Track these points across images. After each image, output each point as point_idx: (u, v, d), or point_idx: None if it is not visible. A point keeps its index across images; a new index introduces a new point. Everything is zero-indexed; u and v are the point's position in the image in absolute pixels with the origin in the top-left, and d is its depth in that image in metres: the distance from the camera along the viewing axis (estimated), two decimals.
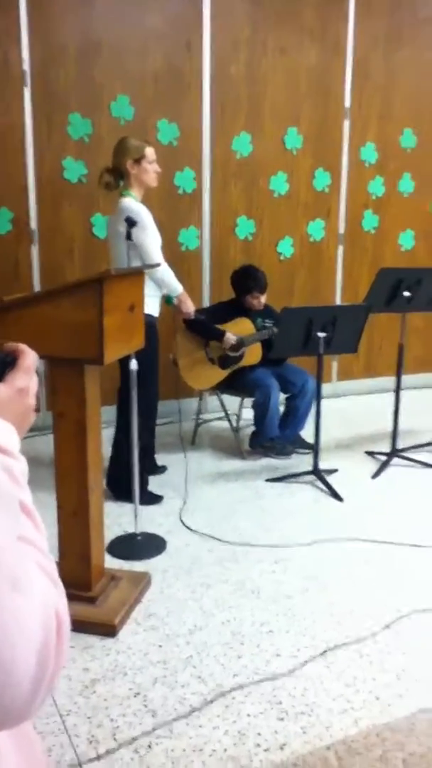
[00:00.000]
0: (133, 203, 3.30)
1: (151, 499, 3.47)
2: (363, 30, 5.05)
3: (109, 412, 3.73)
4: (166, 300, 3.62)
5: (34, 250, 4.38)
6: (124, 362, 3.27)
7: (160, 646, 2.34)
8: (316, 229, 5.22)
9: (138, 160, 3.34)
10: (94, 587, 2.50)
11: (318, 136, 5.09)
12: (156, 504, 3.47)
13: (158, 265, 3.12)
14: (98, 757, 1.85)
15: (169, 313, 3.90)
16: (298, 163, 5.06)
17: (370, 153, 5.29)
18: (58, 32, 4.18)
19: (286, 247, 5.13)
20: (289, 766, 1.82)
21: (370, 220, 5.41)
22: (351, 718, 2.00)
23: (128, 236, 2.96)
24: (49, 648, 0.58)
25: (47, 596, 0.60)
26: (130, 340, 2.55)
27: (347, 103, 5.13)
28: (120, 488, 3.43)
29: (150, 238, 3.30)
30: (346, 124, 5.17)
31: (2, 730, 0.59)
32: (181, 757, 1.85)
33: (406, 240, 5.59)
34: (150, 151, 3.37)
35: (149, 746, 1.89)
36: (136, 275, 2.61)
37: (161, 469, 3.84)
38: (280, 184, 5.01)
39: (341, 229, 5.33)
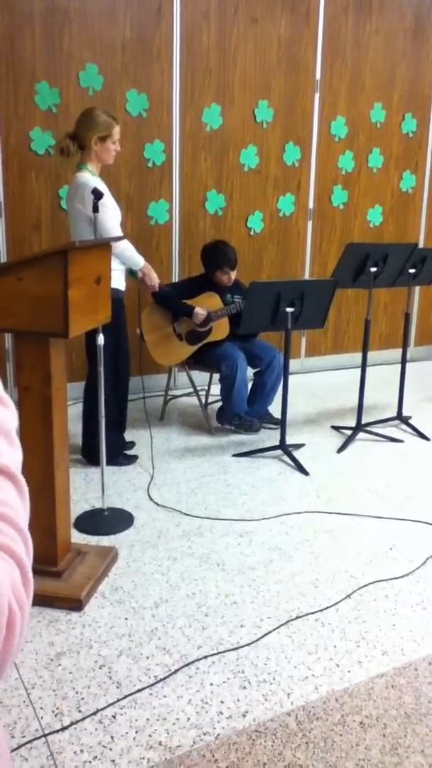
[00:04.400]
0: (91, 178, 3.26)
1: (126, 459, 3.66)
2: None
3: (78, 389, 3.72)
4: (130, 273, 3.59)
5: (1, 223, 4.30)
6: (91, 337, 3.25)
7: (126, 619, 2.36)
8: (286, 203, 5.20)
9: (103, 138, 3.29)
10: (60, 562, 2.50)
11: (288, 109, 5.05)
12: (131, 464, 3.65)
13: (123, 237, 3.09)
14: (63, 728, 1.87)
15: (134, 287, 3.88)
16: (268, 137, 5.02)
17: (340, 127, 5.28)
18: None
19: (256, 222, 5.11)
20: (251, 732, 1.87)
21: (339, 196, 5.41)
22: (311, 685, 2.05)
23: (95, 208, 2.92)
24: None
25: (0, 585, 0.54)
26: (96, 314, 2.52)
27: (318, 75, 5.09)
28: (95, 455, 3.46)
29: (109, 213, 3.27)
30: (317, 97, 5.14)
31: None
32: (144, 727, 1.88)
33: (375, 216, 5.61)
34: (117, 131, 3.32)
35: (113, 717, 1.92)
36: (103, 248, 2.58)
37: (130, 445, 3.84)
38: (250, 157, 4.98)
39: (311, 204, 5.32)
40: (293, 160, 5.15)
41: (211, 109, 4.76)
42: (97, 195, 2.91)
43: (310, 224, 5.36)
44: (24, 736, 1.84)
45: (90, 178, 3.26)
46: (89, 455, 3.60)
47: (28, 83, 4.18)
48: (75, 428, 3.73)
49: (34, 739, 1.83)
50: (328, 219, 5.42)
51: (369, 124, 5.39)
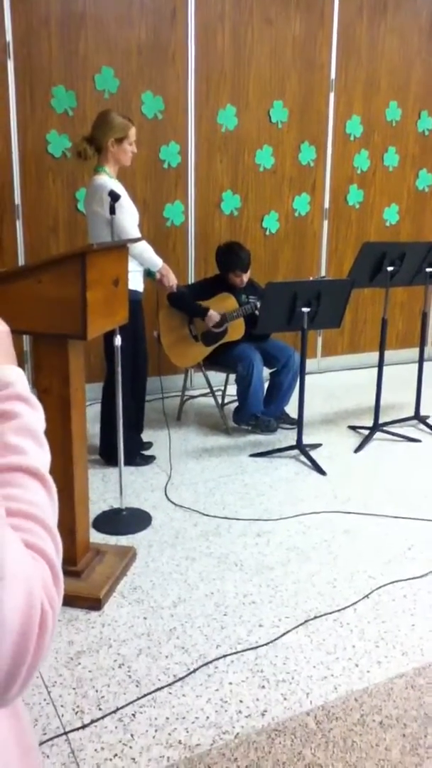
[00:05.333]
0: (109, 181, 3.29)
1: (143, 460, 3.68)
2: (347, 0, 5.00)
3: (96, 390, 3.74)
4: (148, 273, 3.61)
5: (18, 226, 4.33)
6: (109, 338, 3.27)
7: (145, 618, 2.38)
8: (301, 203, 5.20)
9: (120, 140, 3.32)
10: (80, 561, 2.52)
11: (303, 109, 5.05)
12: (149, 464, 3.67)
13: (141, 239, 3.11)
14: (83, 726, 1.88)
15: (152, 289, 3.89)
16: (284, 137, 5.02)
17: (355, 126, 5.26)
18: (41, 3, 4.10)
19: (271, 222, 5.11)
20: (270, 731, 1.87)
21: (355, 195, 5.39)
22: (330, 685, 2.05)
23: (112, 210, 2.94)
24: (28, 641, 0.53)
25: (32, 584, 0.54)
26: (114, 315, 2.54)
27: (333, 75, 5.08)
28: (113, 456, 3.48)
29: (127, 215, 3.29)
30: (332, 96, 5.13)
31: None
32: (164, 725, 1.89)
33: (391, 215, 5.59)
34: (133, 132, 3.36)
35: (133, 715, 1.93)
36: (120, 249, 2.60)
37: (147, 445, 3.86)
38: (265, 158, 4.98)
39: (326, 204, 5.31)
40: (308, 159, 5.15)
41: (227, 110, 4.77)
42: (114, 197, 2.93)
43: (326, 224, 5.35)
44: (45, 734, 1.86)
45: (107, 180, 3.29)
46: (107, 455, 3.63)
47: (45, 87, 4.22)
48: (93, 429, 3.76)
49: (55, 737, 1.84)
50: (344, 218, 5.41)
51: (384, 123, 5.37)
